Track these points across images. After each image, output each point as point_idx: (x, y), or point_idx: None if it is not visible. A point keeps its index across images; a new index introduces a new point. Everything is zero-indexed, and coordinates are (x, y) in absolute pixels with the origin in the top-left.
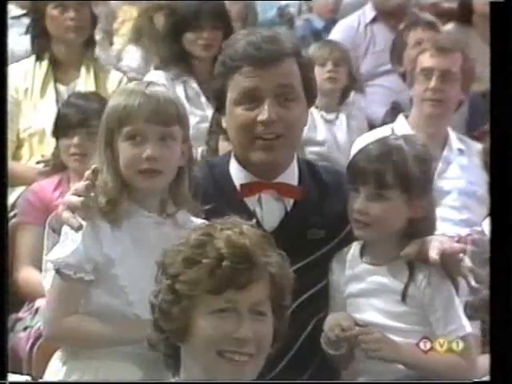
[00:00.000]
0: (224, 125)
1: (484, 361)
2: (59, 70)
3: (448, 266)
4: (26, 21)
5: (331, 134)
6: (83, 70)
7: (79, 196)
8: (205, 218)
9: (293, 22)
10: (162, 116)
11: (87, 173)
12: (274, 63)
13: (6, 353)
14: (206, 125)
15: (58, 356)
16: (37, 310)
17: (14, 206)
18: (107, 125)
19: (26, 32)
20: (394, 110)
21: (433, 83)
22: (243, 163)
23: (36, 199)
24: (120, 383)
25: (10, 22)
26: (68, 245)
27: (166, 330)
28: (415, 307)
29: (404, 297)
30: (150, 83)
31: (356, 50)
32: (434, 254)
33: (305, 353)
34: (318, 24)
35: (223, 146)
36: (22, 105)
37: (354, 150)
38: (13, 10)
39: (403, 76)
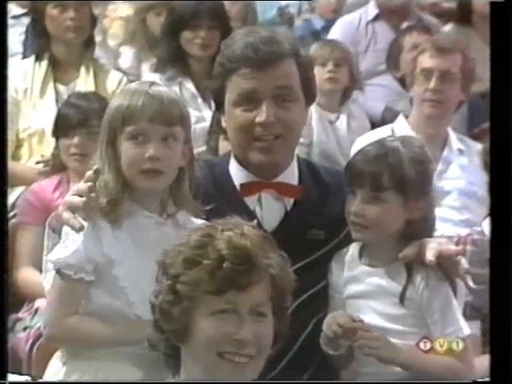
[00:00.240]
0: (223, 124)
1: (484, 362)
2: (59, 70)
3: (445, 267)
4: (26, 20)
5: (332, 134)
6: (83, 69)
7: (81, 196)
8: (205, 219)
9: (293, 22)
10: (165, 116)
11: (89, 173)
12: (271, 65)
13: (5, 353)
14: (203, 125)
15: (57, 356)
16: (36, 310)
17: (13, 206)
18: (110, 124)
19: (26, 32)
20: (389, 112)
21: (432, 84)
22: (243, 163)
23: (36, 199)
24: (120, 383)
25: (10, 21)
26: (69, 245)
27: (166, 331)
28: (413, 309)
29: (402, 299)
30: (152, 83)
31: (356, 48)
32: (430, 255)
33: (305, 353)
34: (318, 24)
35: (223, 146)
36: (21, 105)
37: (354, 150)
38: (13, 9)
39: (400, 80)
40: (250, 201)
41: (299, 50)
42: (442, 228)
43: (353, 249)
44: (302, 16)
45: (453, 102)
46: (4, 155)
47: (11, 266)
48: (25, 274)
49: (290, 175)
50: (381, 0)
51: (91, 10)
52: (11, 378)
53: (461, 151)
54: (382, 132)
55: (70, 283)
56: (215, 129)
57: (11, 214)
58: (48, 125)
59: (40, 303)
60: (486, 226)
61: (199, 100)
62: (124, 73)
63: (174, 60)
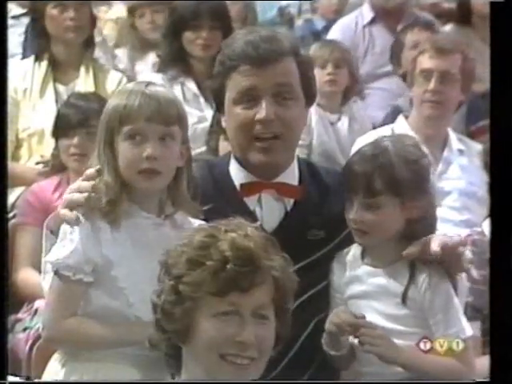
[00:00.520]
0: (223, 124)
1: (484, 362)
2: (58, 70)
3: (449, 260)
4: (26, 21)
5: (333, 135)
6: (82, 70)
7: (82, 193)
8: (204, 219)
9: (293, 22)
10: (162, 116)
11: (91, 171)
12: (271, 62)
13: (5, 353)
14: (204, 126)
15: (56, 357)
16: (36, 310)
17: (13, 206)
18: (107, 124)
19: (26, 32)
20: (395, 114)
21: (432, 85)
22: (243, 164)
23: (36, 200)
24: (119, 383)
25: (9, 22)
26: (66, 245)
27: (168, 331)
28: (415, 310)
29: (404, 299)
30: (149, 83)
31: (355, 52)
32: (435, 246)
33: (305, 353)
34: (319, 24)
35: (223, 146)
36: (21, 105)
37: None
38: (13, 9)
39: (403, 77)
40: (250, 201)
41: (299, 49)
42: (442, 228)
43: (355, 249)
44: (303, 16)
45: (453, 102)
46: (4, 155)
47: (11, 266)
48: (24, 275)
49: (290, 175)
50: (375, 2)
51: (91, 10)
52: (10, 378)
53: (461, 151)
54: (382, 132)
55: (69, 284)
56: (215, 129)
57: (11, 215)
58: (48, 125)
59: (39, 304)
60: (486, 227)
61: (201, 100)
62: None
63: (176, 60)
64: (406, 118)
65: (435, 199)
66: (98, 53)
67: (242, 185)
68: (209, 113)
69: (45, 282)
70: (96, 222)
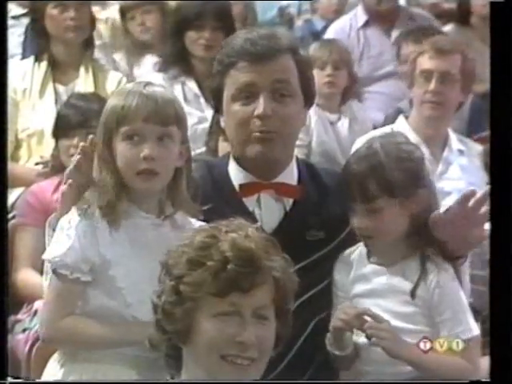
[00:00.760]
0: (222, 124)
1: (484, 363)
2: (58, 71)
3: (474, 214)
4: (26, 21)
5: (333, 135)
6: (82, 70)
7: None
8: (204, 219)
9: (293, 22)
10: (160, 116)
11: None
12: (270, 59)
13: (6, 353)
14: (204, 126)
15: (55, 358)
16: (35, 311)
17: (12, 207)
18: (105, 125)
19: (25, 32)
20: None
21: (432, 85)
22: (241, 162)
23: (35, 201)
24: (119, 383)
25: (9, 22)
26: (63, 241)
27: (168, 331)
28: (422, 308)
29: (413, 295)
30: (147, 83)
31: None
32: (465, 197)
33: (305, 354)
34: (318, 25)
35: (223, 147)
36: (20, 105)
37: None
38: (13, 9)
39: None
40: (249, 201)
41: (298, 47)
42: None
43: (361, 248)
44: (303, 16)
45: (453, 103)
46: (4, 156)
47: (10, 267)
48: (24, 276)
49: (289, 175)
50: (368, 5)
51: (91, 10)
52: (10, 378)
53: (461, 152)
54: (382, 132)
55: (67, 283)
56: (215, 130)
57: (10, 215)
58: (47, 125)
59: (39, 305)
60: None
61: (202, 100)
62: None
63: (178, 59)
64: (406, 118)
65: (435, 188)
66: (97, 54)
67: (241, 185)
68: (209, 113)
69: (46, 281)
70: (94, 221)
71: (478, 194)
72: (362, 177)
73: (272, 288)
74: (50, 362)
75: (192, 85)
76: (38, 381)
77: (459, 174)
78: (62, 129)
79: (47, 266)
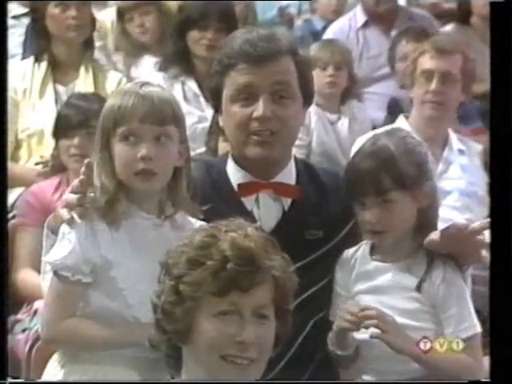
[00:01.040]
0: (221, 123)
1: (485, 363)
2: (58, 71)
3: (468, 245)
4: (26, 21)
5: (333, 135)
6: (82, 70)
7: (75, 193)
8: (203, 219)
9: (293, 22)
10: (156, 116)
11: (82, 169)
12: (269, 60)
13: (6, 353)
14: (204, 125)
15: (56, 358)
16: (35, 311)
17: (12, 207)
18: (103, 126)
19: (26, 32)
20: (392, 110)
21: (433, 85)
22: (240, 162)
23: (35, 201)
24: (119, 383)
25: (10, 22)
26: (65, 245)
27: (168, 331)
28: (427, 304)
29: (419, 289)
30: (144, 83)
31: None
32: (460, 225)
33: (304, 353)
34: (318, 25)
35: (222, 147)
36: (20, 105)
37: (354, 150)
38: (15, 8)
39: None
40: (248, 201)
41: (297, 48)
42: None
43: (363, 247)
44: (303, 16)
45: (453, 103)
46: (4, 156)
47: (10, 267)
48: (24, 276)
49: (288, 175)
50: (367, 6)
51: (91, 10)
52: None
53: (461, 151)
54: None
55: (68, 285)
56: (214, 130)
57: (10, 215)
58: (47, 125)
59: (39, 305)
60: None
61: (201, 100)
62: None
63: (179, 59)
64: (407, 118)
65: (435, 184)
66: (97, 54)
67: (239, 185)
68: (209, 112)
69: (44, 282)
70: (94, 223)
71: (475, 225)
72: (374, 170)
73: (272, 287)
74: (50, 363)
75: (192, 84)
76: (38, 381)
77: (459, 174)
78: (62, 129)
79: (44, 267)
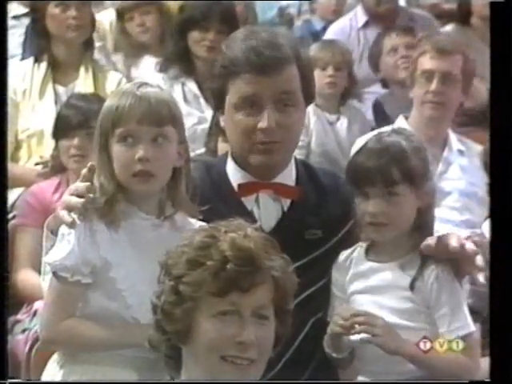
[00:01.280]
0: (222, 124)
1: (485, 363)
2: (58, 71)
3: (461, 261)
4: (26, 21)
5: (332, 135)
6: (82, 70)
7: (79, 197)
8: (203, 220)
9: (292, 22)
10: (154, 116)
11: (84, 171)
12: (275, 70)
13: (5, 353)
14: (204, 126)
15: (55, 359)
16: (35, 312)
17: (12, 207)
18: (101, 126)
19: (26, 33)
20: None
21: (434, 86)
22: (241, 164)
23: (35, 201)
24: (119, 383)
25: (10, 22)
26: (64, 246)
27: (168, 332)
28: (421, 304)
29: (412, 287)
30: (142, 84)
31: None
32: (454, 242)
33: (303, 353)
34: (318, 25)
35: (222, 148)
36: (20, 106)
37: (354, 151)
38: (15, 8)
39: (382, 82)
40: (248, 201)
41: (300, 52)
42: (442, 229)
43: (359, 249)
44: (302, 17)
45: (453, 103)
46: (4, 156)
47: (10, 267)
48: (24, 276)
49: (288, 176)
50: (368, 6)
51: (91, 10)
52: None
53: (461, 152)
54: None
55: (67, 286)
56: (214, 131)
57: (10, 216)
58: (47, 126)
59: (39, 305)
60: (485, 228)
61: (201, 100)
62: None
63: (179, 59)
64: (406, 118)
65: (435, 185)
66: (97, 55)
67: (239, 185)
68: (209, 113)
69: (44, 282)
70: (93, 224)
71: (468, 248)
72: (383, 161)
73: (271, 287)
74: (50, 363)
75: (192, 85)
76: (37, 381)
77: (459, 174)
78: (61, 129)
79: (45, 267)
